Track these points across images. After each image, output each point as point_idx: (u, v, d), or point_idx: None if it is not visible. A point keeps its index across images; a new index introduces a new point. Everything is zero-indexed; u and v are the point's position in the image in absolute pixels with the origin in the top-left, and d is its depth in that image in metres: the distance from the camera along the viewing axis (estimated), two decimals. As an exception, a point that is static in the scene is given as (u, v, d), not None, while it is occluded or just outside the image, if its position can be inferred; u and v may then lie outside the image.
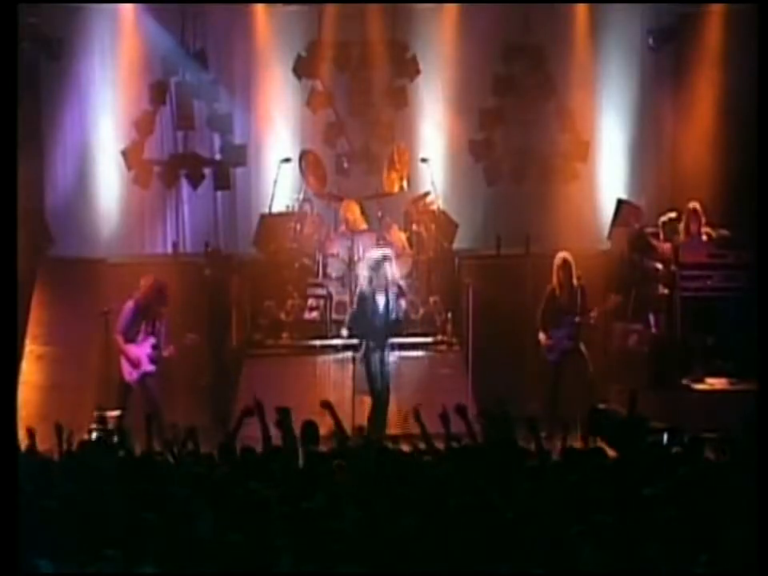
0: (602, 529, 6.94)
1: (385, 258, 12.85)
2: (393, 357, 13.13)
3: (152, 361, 12.84)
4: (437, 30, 16.52)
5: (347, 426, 9.95)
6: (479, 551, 6.91)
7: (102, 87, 16.28)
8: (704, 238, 13.90)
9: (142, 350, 12.79)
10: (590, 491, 7.85)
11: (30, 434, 9.47)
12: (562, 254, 13.32)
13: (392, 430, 12.51)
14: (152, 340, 12.81)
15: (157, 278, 12.99)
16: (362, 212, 15.61)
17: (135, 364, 12.77)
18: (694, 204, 13.92)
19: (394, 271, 12.87)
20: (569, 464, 8.59)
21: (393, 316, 12.82)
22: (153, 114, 16.32)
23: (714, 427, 9.62)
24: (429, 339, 15.03)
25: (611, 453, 9.30)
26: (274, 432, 9.33)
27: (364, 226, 15.53)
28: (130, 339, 12.80)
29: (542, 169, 16.57)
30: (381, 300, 12.82)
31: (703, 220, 13.88)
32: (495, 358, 14.14)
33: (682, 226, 13.98)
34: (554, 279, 13.29)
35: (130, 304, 12.81)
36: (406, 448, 9.46)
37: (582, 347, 13.28)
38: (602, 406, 12.38)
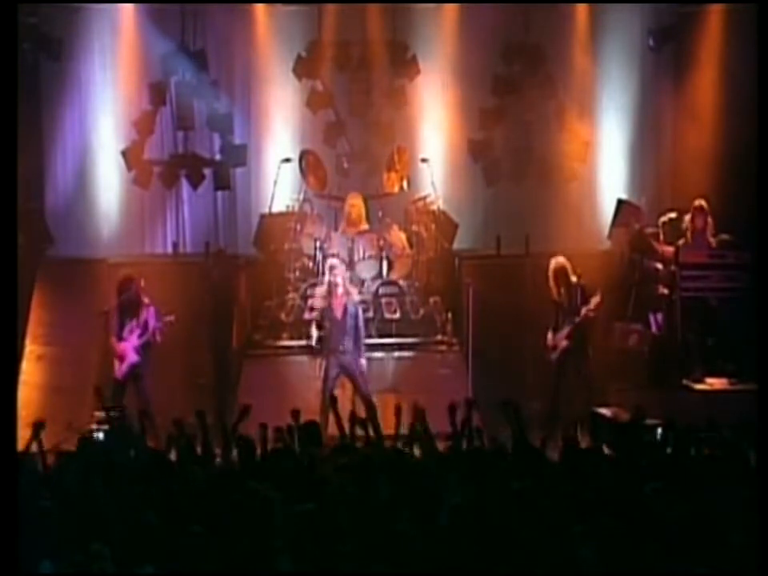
0: (603, 529, 6.95)
1: (336, 267, 13.12)
2: (361, 363, 13.06)
3: (137, 352, 12.94)
4: (437, 29, 16.51)
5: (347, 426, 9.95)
6: (479, 551, 6.91)
7: (102, 87, 16.29)
8: (709, 236, 13.84)
9: (128, 343, 12.93)
10: (590, 491, 7.86)
11: (30, 434, 9.46)
12: (555, 261, 13.30)
13: (390, 430, 12.49)
14: (137, 332, 12.92)
15: (128, 277, 13.11)
16: (366, 211, 15.66)
17: (121, 358, 12.92)
18: (700, 201, 13.88)
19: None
20: (569, 464, 8.59)
21: (352, 324, 12.87)
22: (153, 114, 16.31)
23: (714, 427, 9.60)
24: (429, 339, 15.04)
25: (610, 453, 9.32)
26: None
27: (364, 225, 15.54)
28: (121, 338, 12.97)
29: (541, 169, 16.54)
30: (339, 310, 12.87)
31: (710, 220, 13.83)
32: (495, 357, 14.14)
33: (687, 224, 13.90)
34: (551, 284, 13.28)
35: (113, 304, 13.00)
36: (405, 449, 9.46)
37: (583, 347, 13.29)
38: (602, 410, 12.38)
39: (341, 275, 13.18)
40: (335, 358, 12.90)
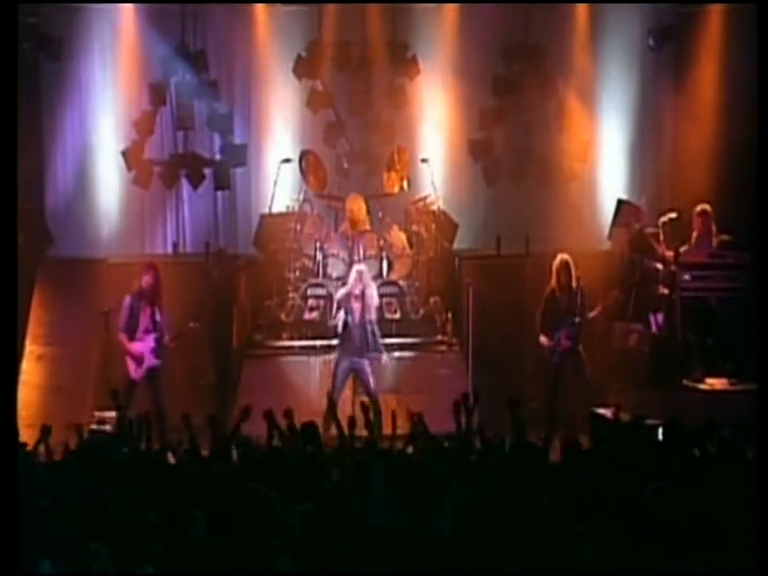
0: (603, 529, 6.95)
1: (363, 273, 13.11)
2: (369, 366, 13.07)
3: (156, 355, 12.86)
4: (437, 29, 16.50)
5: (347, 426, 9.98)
6: (479, 551, 6.92)
7: (102, 87, 16.27)
8: (712, 238, 13.87)
9: (145, 345, 12.81)
10: (590, 491, 7.86)
11: (30, 434, 9.48)
12: (561, 256, 13.32)
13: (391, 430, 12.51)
14: (154, 334, 12.82)
15: (150, 263, 13.07)
16: (368, 211, 15.68)
17: (139, 360, 12.79)
18: (704, 206, 13.89)
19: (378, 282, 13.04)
20: (569, 464, 8.60)
21: (370, 329, 12.89)
22: (153, 114, 16.30)
23: (714, 427, 9.61)
24: (429, 339, 15.04)
25: (610, 453, 9.32)
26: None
27: (367, 226, 15.54)
28: (132, 336, 12.82)
29: (541, 169, 16.54)
30: (358, 314, 12.85)
31: (714, 227, 13.84)
32: (495, 357, 14.15)
33: (693, 229, 13.92)
34: (553, 281, 13.29)
35: (127, 299, 12.87)
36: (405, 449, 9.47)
37: (581, 348, 13.29)
38: (602, 410, 12.39)
39: (368, 283, 13.14)
40: (349, 361, 12.90)
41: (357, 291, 12.94)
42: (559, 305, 13.27)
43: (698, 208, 13.90)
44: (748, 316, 13.01)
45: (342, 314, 13.03)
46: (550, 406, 13.12)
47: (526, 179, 16.56)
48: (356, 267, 13.55)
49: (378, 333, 13.11)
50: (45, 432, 9.50)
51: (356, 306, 12.92)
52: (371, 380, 12.94)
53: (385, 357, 13.23)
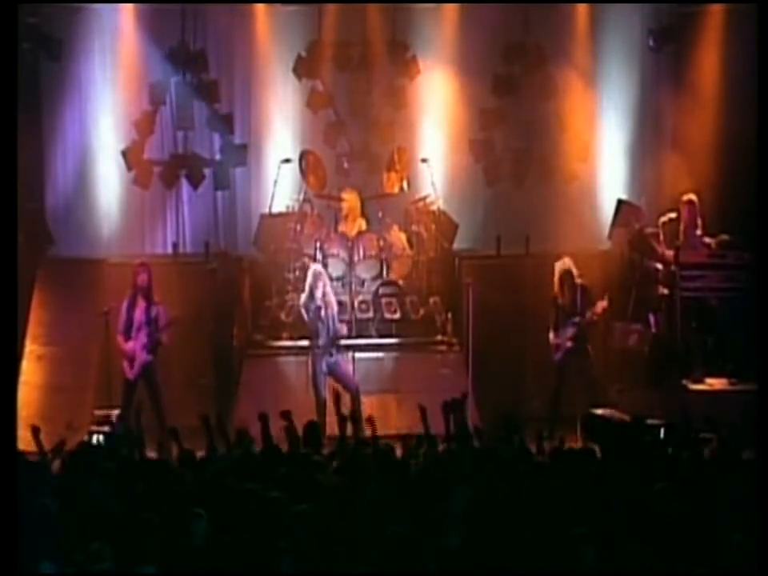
0: (603, 529, 6.95)
1: (320, 273, 13.14)
2: (344, 360, 13.16)
3: (149, 350, 12.87)
4: (437, 29, 16.50)
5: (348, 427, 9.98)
6: (479, 552, 6.92)
7: (102, 87, 16.26)
8: (700, 230, 13.90)
9: (137, 342, 12.84)
10: (589, 491, 7.86)
11: (31, 434, 9.46)
12: (563, 262, 13.37)
13: (392, 430, 12.51)
14: (147, 329, 12.84)
15: (142, 263, 13.11)
16: (363, 211, 15.70)
17: (131, 359, 12.83)
18: (690, 196, 13.94)
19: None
20: (567, 464, 8.59)
21: (333, 324, 12.93)
22: (153, 114, 16.29)
23: (714, 427, 9.61)
24: (429, 339, 15.04)
25: (608, 453, 9.32)
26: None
27: (361, 218, 15.55)
28: (128, 336, 12.87)
29: (542, 169, 16.53)
30: (321, 310, 12.88)
31: (699, 216, 13.89)
32: (495, 357, 14.16)
33: (681, 226, 13.98)
34: (556, 286, 13.35)
35: (124, 303, 12.94)
36: (404, 449, 9.47)
37: (586, 347, 13.33)
38: (600, 410, 12.40)
39: (327, 283, 13.21)
40: (324, 361, 12.95)
41: (318, 292, 12.97)
42: (562, 306, 13.33)
43: (685, 197, 13.95)
44: (748, 316, 13.02)
45: (308, 316, 13.09)
46: (552, 406, 13.15)
47: (527, 179, 16.55)
48: (313, 268, 13.54)
49: (338, 327, 13.15)
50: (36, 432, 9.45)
51: (320, 305, 12.95)
52: (349, 375, 13.00)
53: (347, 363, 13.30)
